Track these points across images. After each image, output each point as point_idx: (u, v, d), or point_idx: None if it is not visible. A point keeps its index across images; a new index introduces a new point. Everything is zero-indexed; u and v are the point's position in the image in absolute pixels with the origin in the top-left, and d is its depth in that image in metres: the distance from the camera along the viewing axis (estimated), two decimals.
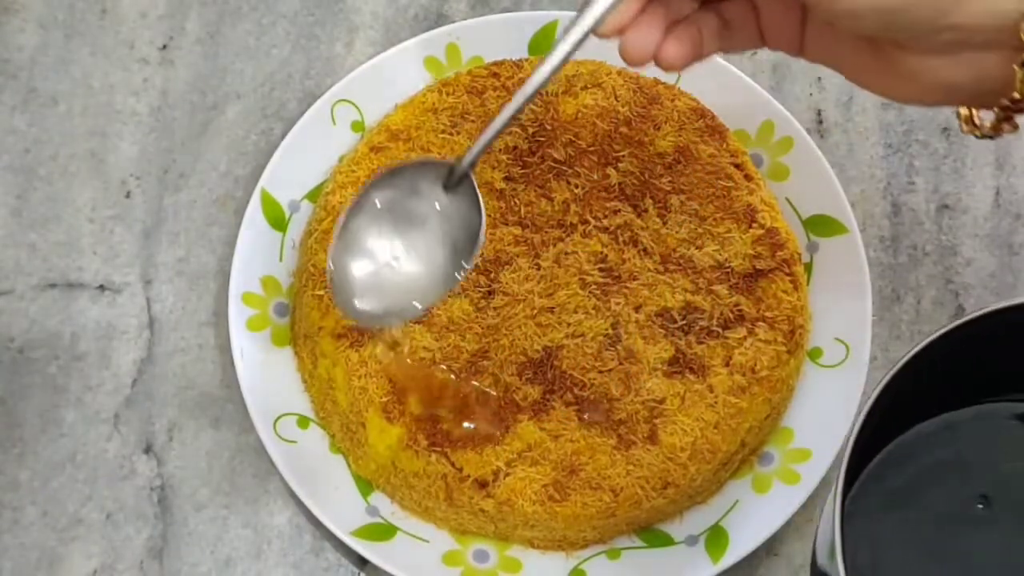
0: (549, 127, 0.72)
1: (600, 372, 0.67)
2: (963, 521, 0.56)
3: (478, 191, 0.58)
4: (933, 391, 0.55)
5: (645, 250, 0.69)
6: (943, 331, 0.52)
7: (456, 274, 0.59)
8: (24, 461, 0.70)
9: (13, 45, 0.80)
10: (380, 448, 0.66)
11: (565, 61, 0.54)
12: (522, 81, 0.73)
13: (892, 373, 0.52)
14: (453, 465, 0.65)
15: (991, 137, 0.56)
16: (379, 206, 0.59)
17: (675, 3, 0.56)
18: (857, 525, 0.53)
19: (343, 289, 0.59)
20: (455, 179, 0.58)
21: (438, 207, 0.59)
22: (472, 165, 0.57)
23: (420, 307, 0.59)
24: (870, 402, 0.52)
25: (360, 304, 0.59)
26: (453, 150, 0.71)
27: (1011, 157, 0.77)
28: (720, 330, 0.68)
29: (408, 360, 0.67)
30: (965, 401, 0.58)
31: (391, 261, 0.59)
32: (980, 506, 0.56)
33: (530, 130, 0.72)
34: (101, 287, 0.74)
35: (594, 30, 0.53)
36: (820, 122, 0.78)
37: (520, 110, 0.55)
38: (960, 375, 0.55)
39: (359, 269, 0.59)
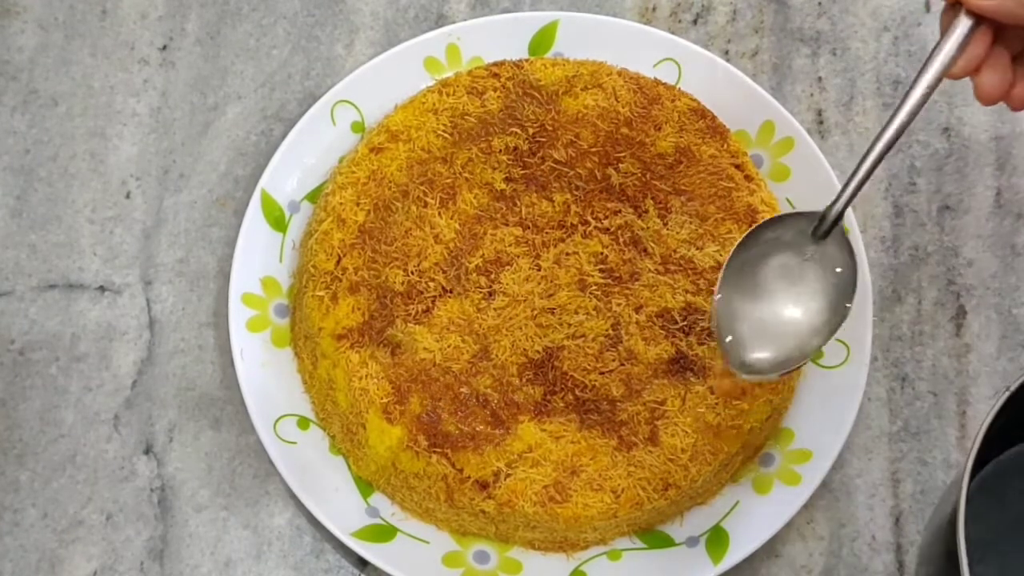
0: (550, 128, 0.72)
1: (601, 373, 0.67)
2: None
3: (848, 237, 0.59)
4: None
5: (646, 251, 0.69)
6: None
7: (837, 317, 0.59)
8: (24, 462, 0.70)
9: (13, 46, 0.80)
10: (380, 449, 0.66)
11: (920, 107, 0.56)
12: (522, 82, 0.73)
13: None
14: (453, 466, 0.65)
15: None
16: (753, 263, 0.60)
17: (1010, 41, 0.58)
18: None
19: (733, 347, 0.60)
20: (824, 227, 0.59)
21: (810, 256, 0.60)
22: (841, 213, 0.59)
23: (806, 355, 0.60)
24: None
25: (753, 356, 0.60)
26: (453, 151, 0.71)
27: (1012, 157, 0.77)
28: None
29: (410, 361, 0.67)
30: None
31: (773, 314, 0.60)
32: None
33: (530, 131, 0.72)
34: (101, 288, 0.74)
35: (946, 72, 0.56)
36: (821, 122, 0.78)
37: (879, 160, 0.57)
38: None
39: (746, 326, 0.60)
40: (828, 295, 0.60)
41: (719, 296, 0.60)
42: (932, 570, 0.58)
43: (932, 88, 0.56)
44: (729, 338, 0.60)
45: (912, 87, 0.56)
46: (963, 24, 0.56)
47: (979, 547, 0.55)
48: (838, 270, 0.59)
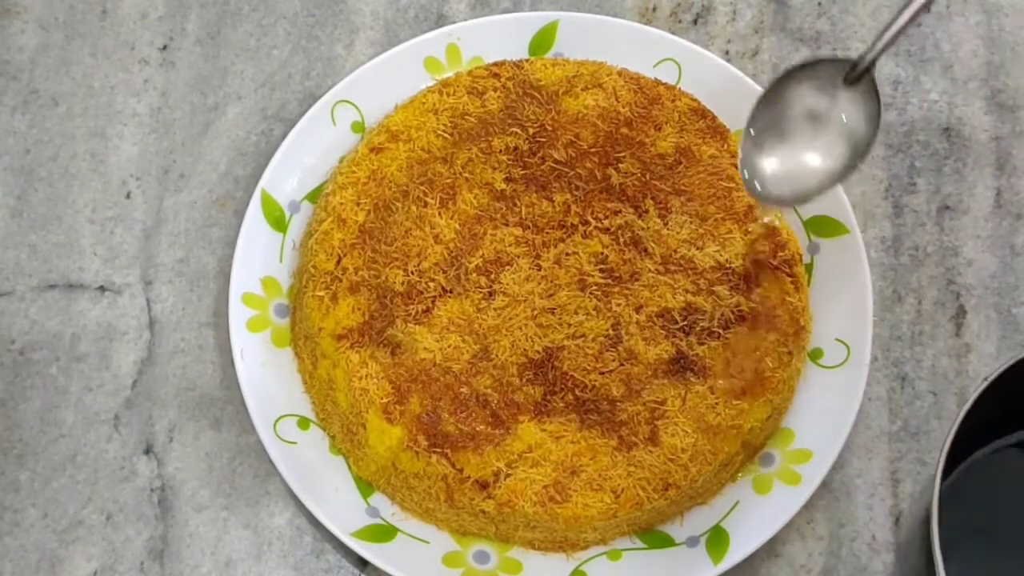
0: (550, 128, 0.72)
1: (601, 373, 0.67)
2: None
3: (877, 84, 0.61)
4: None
5: (646, 251, 0.69)
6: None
7: (856, 160, 0.63)
8: (24, 462, 0.70)
9: (14, 46, 0.80)
10: (380, 449, 0.66)
11: None
12: (523, 82, 0.73)
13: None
14: (453, 466, 0.65)
15: None
16: (783, 101, 0.64)
17: None
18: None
19: (756, 180, 0.64)
20: (856, 74, 0.61)
21: (838, 100, 0.63)
22: (874, 60, 0.61)
23: (823, 191, 0.63)
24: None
25: (775, 189, 0.64)
26: (454, 151, 0.71)
27: (1012, 158, 0.77)
28: (721, 331, 0.67)
29: (410, 361, 0.67)
30: None
31: (797, 151, 0.64)
32: None
33: (531, 131, 0.72)
34: (101, 288, 0.74)
35: None
36: None
37: (917, 14, 0.59)
38: None
39: (770, 161, 0.64)
40: (851, 139, 0.62)
41: (748, 128, 0.63)
42: (908, 568, 0.58)
43: None
44: (756, 182, 0.64)
45: None
46: None
47: (960, 543, 0.55)
48: (863, 116, 0.62)
